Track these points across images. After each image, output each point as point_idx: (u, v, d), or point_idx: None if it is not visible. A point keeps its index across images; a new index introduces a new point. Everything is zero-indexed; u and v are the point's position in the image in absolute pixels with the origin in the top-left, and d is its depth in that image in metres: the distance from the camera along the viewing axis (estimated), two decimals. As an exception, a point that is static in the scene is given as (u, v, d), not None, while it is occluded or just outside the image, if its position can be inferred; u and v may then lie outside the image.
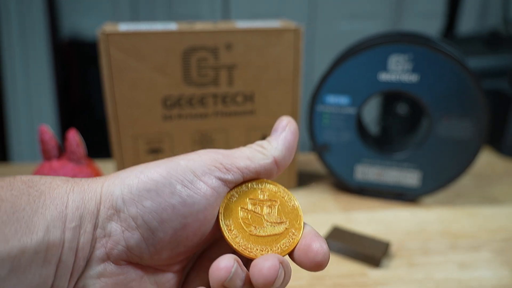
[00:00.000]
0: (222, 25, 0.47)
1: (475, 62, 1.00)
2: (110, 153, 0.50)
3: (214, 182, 0.22)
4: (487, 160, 0.65)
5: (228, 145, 0.51)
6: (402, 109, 1.15)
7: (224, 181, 0.23)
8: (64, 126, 1.55)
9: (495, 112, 0.67)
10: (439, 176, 0.50)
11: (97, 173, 0.39)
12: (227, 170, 0.23)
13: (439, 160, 0.49)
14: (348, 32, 1.63)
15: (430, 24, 1.56)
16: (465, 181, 0.57)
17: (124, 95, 0.46)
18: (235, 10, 1.57)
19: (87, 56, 1.47)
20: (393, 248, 0.43)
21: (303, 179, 0.58)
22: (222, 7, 1.57)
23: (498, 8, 1.60)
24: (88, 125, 1.51)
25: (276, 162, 0.25)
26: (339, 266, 0.40)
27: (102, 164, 0.62)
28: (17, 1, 1.43)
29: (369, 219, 0.49)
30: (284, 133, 0.25)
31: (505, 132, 0.65)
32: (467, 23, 1.61)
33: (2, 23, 1.44)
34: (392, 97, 1.21)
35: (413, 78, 0.47)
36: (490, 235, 0.45)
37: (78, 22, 1.54)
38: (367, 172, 0.52)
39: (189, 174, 0.22)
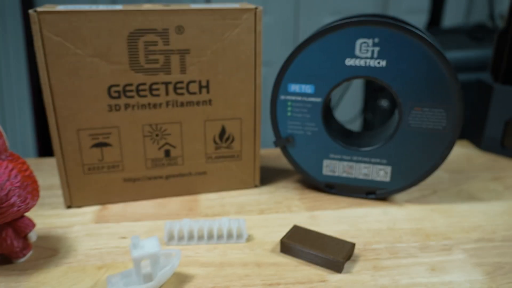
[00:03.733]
0: (173, 6, 0.43)
1: (460, 54, 0.96)
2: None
3: None
4: (466, 155, 0.61)
5: (184, 138, 0.47)
6: (385, 102, 1.11)
7: None
8: (40, 121, 1.49)
9: (476, 105, 0.63)
10: (411, 171, 0.46)
11: (20, 169, 0.34)
12: None
13: (410, 153, 0.45)
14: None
15: (417, 19, 1.53)
16: (441, 177, 0.54)
17: (62, 84, 0.41)
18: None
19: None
20: (359, 249, 0.39)
21: (267, 176, 0.54)
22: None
23: (484, 4, 1.57)
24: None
25: None
26: (296, 271, 0.36)
27: (44, 160, 0.57)
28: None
29: (336, 218, 0.45)
30: None
31: (484, 126, 0.61)
32: (453, 18, 1.58)
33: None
34: (375, 90, 1.17)
35: (381, 63, 0.43)
36: (464, 234, 0.42)
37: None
38: (335, 167, 0.48)
39: None
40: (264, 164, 0.57)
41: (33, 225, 0.37)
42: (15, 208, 0.34)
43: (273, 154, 0.60)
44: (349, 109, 1.47)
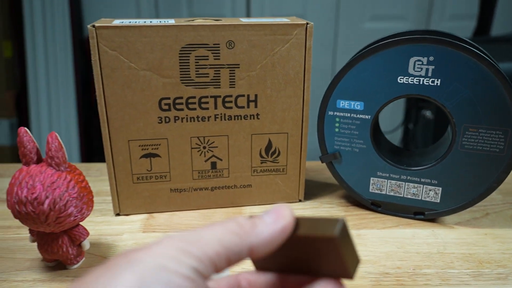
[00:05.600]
0: (224, 21, 0.43)
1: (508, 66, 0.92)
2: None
3: (191, 273, 0.19)
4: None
5: (230, 151, 0.47)
6: (428, 113, 1.08)
7: (199, 272, 0.19)
8: (84, 125, 1.54)
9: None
10: (463, 194, 0.44)
11: (77, 180, 0.35)
12: (199, 259, 0.19)
13: (463, 175, 0.43)
14: (375, 33, 1.57)
15: (462, 25, 1.48)
16: (494, 199, 0.52)
17: (115, 96, 0.43)
18: (257, 11, 1.53)
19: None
20: (408, 273, 0.38)
21: (312, 190, 0.53)
22: (246, 7, 1.53)
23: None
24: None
25: (252, 251, 0.21)
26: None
27: (91, 165, 0.59)
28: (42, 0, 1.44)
29: (383, 238, 0.44)
30: (277, 225, 0.22)
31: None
32: (505, 26, 1.51)
33: (26, 21, 1.45)
34: (417, 100, 1.14)
35: (435, 82, 0.41)
36: (521, 263, 0.40)
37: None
38: (383, 185, 0.47)
39: (164, 273, 0.18)
40: (309, 178, 0.57)
41: (87, 233, 0.38)
42: (72, 218, 0.35)
43: (319, 167, 0.59)
44: (389, 119, 1.44)
